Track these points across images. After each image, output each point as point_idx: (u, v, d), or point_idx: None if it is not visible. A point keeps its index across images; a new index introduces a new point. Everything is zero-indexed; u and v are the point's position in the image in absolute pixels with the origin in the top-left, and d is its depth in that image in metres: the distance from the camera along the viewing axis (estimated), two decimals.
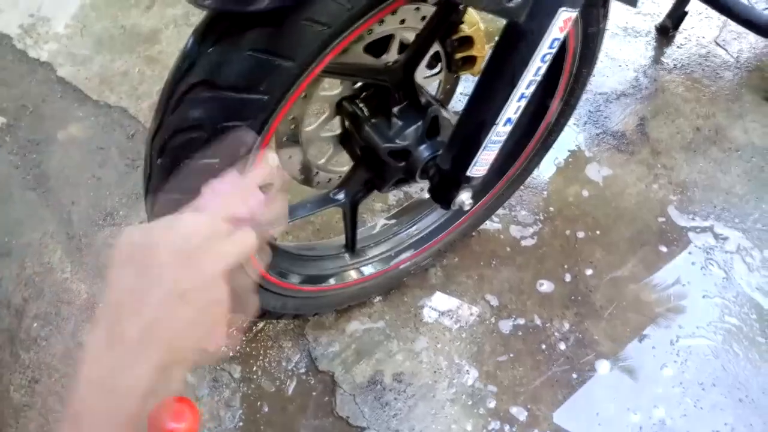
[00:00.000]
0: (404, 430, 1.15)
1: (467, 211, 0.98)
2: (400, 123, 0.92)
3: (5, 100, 1.67)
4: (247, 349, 1.24)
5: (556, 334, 1.27)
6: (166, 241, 0.48)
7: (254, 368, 1.22)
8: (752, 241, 1.39)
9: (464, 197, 0.93)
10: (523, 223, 1.41)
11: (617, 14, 1.80)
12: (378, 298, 1.30)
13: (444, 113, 0.95)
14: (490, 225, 1.41)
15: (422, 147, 0.94)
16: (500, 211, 1.42)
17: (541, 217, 1.42)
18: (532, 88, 0.80)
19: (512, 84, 0.78)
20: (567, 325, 1.27)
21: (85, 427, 0.44)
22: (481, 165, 0.88)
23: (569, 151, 1.52)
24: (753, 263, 1.36)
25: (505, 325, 1.27)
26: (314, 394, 1.19)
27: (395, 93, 0.91)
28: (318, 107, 0.97)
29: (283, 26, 0.64)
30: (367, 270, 1.18)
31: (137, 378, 0.45)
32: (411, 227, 1.26)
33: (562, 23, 0.74)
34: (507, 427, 1.16)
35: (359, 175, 1.01)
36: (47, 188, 1.50)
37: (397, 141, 0.92)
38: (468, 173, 0.89)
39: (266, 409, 1.17)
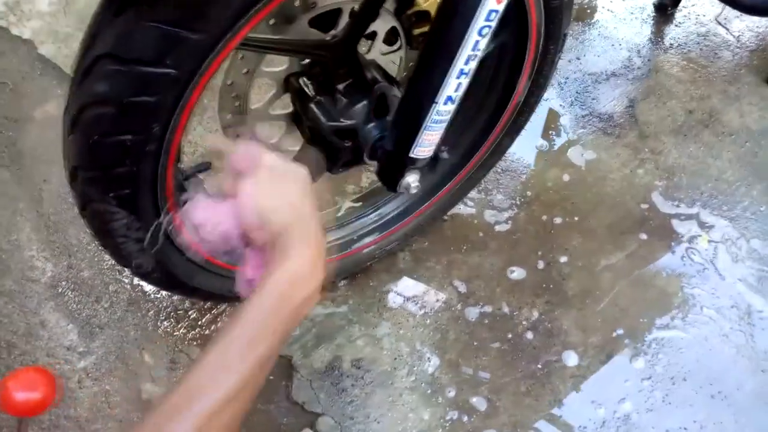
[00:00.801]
0: (359, 417, 1.13)
1: (414, 194, 0.94)
2: (344, 101, 0.88)
3: None
4: (206, 331, 1.22)
5: (524, 322, 1.23)
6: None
7: None
8: (739, 230, 1.33)
9: (410, 180, 0.89)
10: (499, 208, 1.37)
11: None
12: (343, 282, 1.27)
13: (394, 91, 0.90)
14: (464, 209, 1.36)
15: (369, 126, 0.90)
16: (475, 195, 1.37)
17: (518, 202, 1.37)
18: (473, 63, 0.76)
19: (449, 60, 0.74)
20: (536, 314, 1.23)
21: None
22: (424, 146, 0.84)
23: (552, 133, 1.46)
24: (738, 254, 1.30)
25: (472, 313, 1.24)
26: (271, 378, 1.17)
27: (338, 70, 0.87)
28: (264, 84, 0.93)
29: None
30: (327, 254, 1.15)
31: None
32: (376, 210, 1.22)
33: None
34: (465, 418, 1.12)
35: (308, 156, 0.97)
36: (21, 165, 1.49)
37: (342, 120, 0.88)
38: (411, 154, 0.85)
39: None
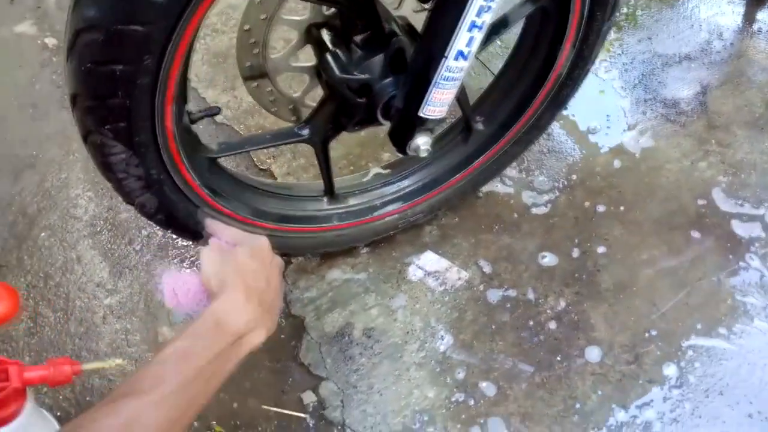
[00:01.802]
0: (363, 387, 1.10)
1: (424, 157, 0.89)
2: (360, 53, 0.85)
3: (59, 22, 1.75)
4: None
5: (548, 311, 1.15)
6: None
7: None
8: None
9: (420, 141, 0.84)
10: (539, 190, 1.29)
11: None
12: (365, 249, 1.24)
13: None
14: (501, 188, 1.29)
15: (385, 82, 0.85)
16: (515, 174, 1.30)
17: (560, 185, 1.29)
18: (486, 16, 0.70)
19: (459, 10, 0.68)
20: (563, 304, 1.15)
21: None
22: (434, 105, 0.79)
23: (607, 116, 1.36)
24: None
25: (494, 295, 1.17)
26: (282, 336, 1.17)
27: (356, 21, 0.83)
28: (286, 33, 0.91)
29: None
30: (346, 218, 1.13)
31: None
32: (404, 179, 1.18)
33: None
34: (472, 402, 1.07)
35: (324, 111, 0.94)
36: None
37: (355, 73, 0.85)
38: (421, 113, 0.80)
39: None
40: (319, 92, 0.98)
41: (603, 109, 1.36)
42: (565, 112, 1.38)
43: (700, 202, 1.24)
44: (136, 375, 0.67)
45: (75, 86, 0.70)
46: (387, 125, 0.90)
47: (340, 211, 1.12)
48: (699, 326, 1.11)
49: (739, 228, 1.20)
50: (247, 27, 0.86)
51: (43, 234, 1.34)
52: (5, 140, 1.47)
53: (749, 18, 1.48)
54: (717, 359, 1.08)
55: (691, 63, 1.42)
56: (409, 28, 0.88)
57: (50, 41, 1.71)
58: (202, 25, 0.71)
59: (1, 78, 1.57)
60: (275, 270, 0.84)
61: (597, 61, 1.42)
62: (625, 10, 1.53)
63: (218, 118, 1.45)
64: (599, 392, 1.06)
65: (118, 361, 0.93)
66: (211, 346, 0.69)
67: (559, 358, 1.10)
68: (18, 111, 1.52)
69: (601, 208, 1.25)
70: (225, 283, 0.77)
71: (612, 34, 1.50)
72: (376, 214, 1.15)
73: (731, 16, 1.49)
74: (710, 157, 1.29)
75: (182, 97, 0.80)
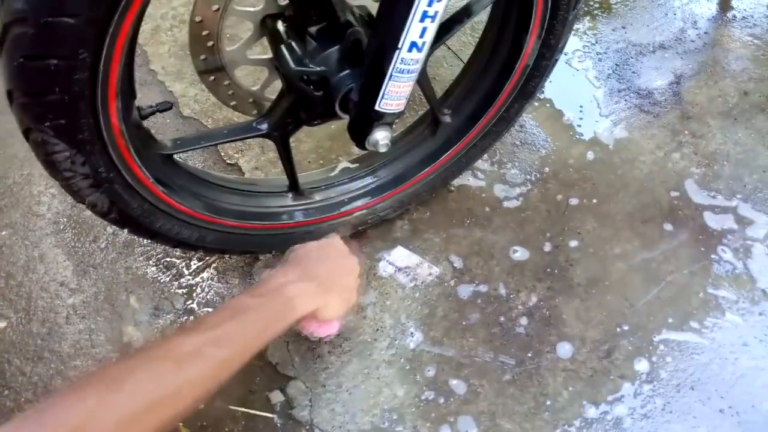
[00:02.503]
0: (331, 385, 1.08)
1: (383, 152, 0.86)
2: (314, 45, 0.82)
3: None
4: (192, 281, 1.21)
5: (519, 307, 1.13)
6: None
7: (197, 300, 1.19)
8: None
9: (379, 136, 0.82)
10: (511, 183, 1.27)
11: None
12: None
13: None
14: (473, 181, 1.27)
15: (342, 75, 0.83)
16: (487, 167, 1.28)
17: (533, 178, 1.27)
18: (438, 5, 0.67)
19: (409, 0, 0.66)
20: (534, 299, 1.14)
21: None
22: (391, 98, 0.76)
23: (581, 107, 1.33)
24: None
25: (465, 291, 1.16)
26: None
27: (310, 11, 0.80)
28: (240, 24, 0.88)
29: None
30: (312, 214, 1.10)
31: None
32: (372, 173, 1.15)
33: None
34: (442, 400, 1.05)
35: (283, 105, 0.92)
36: None
37: (311, 65, 0.82)
38: (378, 107, 0.78)
39: None
40: (279, 84, 0.95)
41: (576, 99, 1.34)
42: (537, 103, 1.35)
43: (673, 194, 1.22)
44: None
45: (9, 82, 0.67)
46: (347, 119, 0.87)
47: (306, 207, 1.09)
48: (671, 320, 1.10)
49: (712, 220, 1.19)
50: (198, 19, 0.83)
51: (4, 232, 1.30)
52: None
53: (724, 5, 1.46)
54: (688, 354, 1.07)
55: (665, 52, 1.40)
56: (369, 18, 0.85)
57: None
58: (143, 17, 0.68)
59: None
60: (341, 262, 0.97)
61: (571, 50, 1.41)
62: None
63: (185, 111, 1.42)
64: (570, 388, 1.05)
65: None
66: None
67: (530, 355, 1.08)
68: None
69: (574, 201, 1.23)
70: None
71: (586, 23, 1.47)
72: (343, 209, 1.13)
73: (706, 4, 1.47)
74: (684, 148, 1.27)
75: (129, 92, 0.77)
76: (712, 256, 1.16)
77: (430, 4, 0.66)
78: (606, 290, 1.14)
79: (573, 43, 1.41)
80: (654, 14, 1.46)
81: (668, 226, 1.19)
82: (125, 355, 0.70)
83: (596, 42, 1.43)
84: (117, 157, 0.79)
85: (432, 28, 0.69)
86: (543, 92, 1.36)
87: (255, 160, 1.33)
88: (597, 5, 1.51)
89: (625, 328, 1.10)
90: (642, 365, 1.06)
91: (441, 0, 0.66)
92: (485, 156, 1.26)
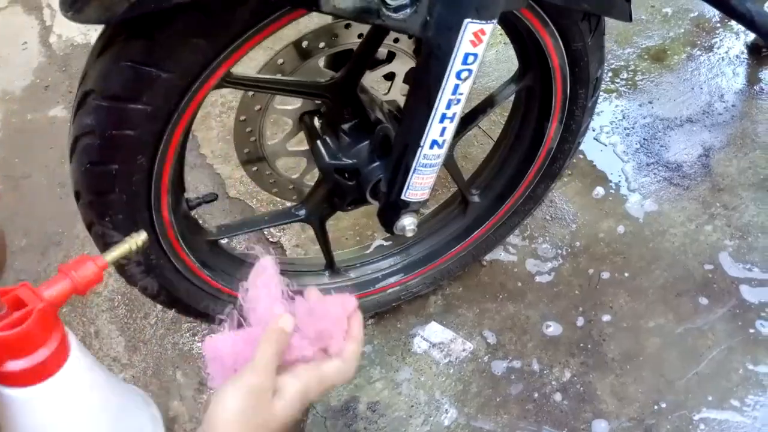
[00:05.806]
0: None
1: (410, 237, 0.91)
2: (347, 140, 0.89)
3: None
4: None
5: (554, 383, 1.14)
6: None
7: None
8: None
9: (406, 222, 0.87)
10: (542, 257, 1.29)
11: (695, 33, 1.59)
12: (370, 321, 1.26)
13: None
14: (505, 256, 1.30)
15: (372, 166, 0.89)
16: (518, 242, 1.31)
17: (564, 252, 1.29)
18: (456, 108, 0.73)
19: (429, 104, 0.72)
20: (568, 375, 1.14)
21: None
22: (416, 189, 0.82)
23: (610, 182, 1.36)
24: None
25: (498, 366, 1.17)
26: None
27: (342, 110, 0.88)
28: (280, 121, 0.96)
29: (155, 39, 0.64)
30: (349, 291, 1.15)
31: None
32: (404, 251, 1.20)
33: (473, 36, 0.67)
34: None
35: (319, 192, 0.99)
36: None
37: (344, 159, 0.89)
38: (404, 197, 0.83)
39: None
40: (317, 172, 1.02)
41: (605, 174, 1.37)
42: (566, 179, 1.39)
43: (707, 267, 1.22)
44: None
45: (77, 184, 0.76)
46: (377, 205, 0.93)
47: (342, 284, 1.14)
48: (710, 398, 1.08)
49: (749, 293, 1.18)
50: (242, 118, 0.92)
51: (64, 309, 1.39)
52: (36, 217, 1.56)
53: (751, 79, 1.49)
54: None
55: (693, 126, 1.42)
56: (398, 112, 0.93)
57: None
58: (192, 124, 0.76)
59: (34, 159, 1.67)
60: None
61: (598, 126, 1.45)
62: (624, 75, 1.56)
63: (231, 192, 1.51)
64: None
65: (143, 236, 0.76)
66: None
67: (566, 431, 1.08)
68: (47, 190, 1.62)
69: (605, 275, 1.24)
70: None
71: (613, 99, 1.52)
72: (378, 286, 1.17)
73: (731, 78, 1.50)
74: (716, 220, 1.28)
75: (179, 186, 0.85)
76: (751, 330, 1.14)
77: (448, 107, 0.72)
78: (641, 366, 1.13)
79: (601, 119, 1.45)
80: (680, 89, 1.50)
81: (703, 300, 1.19)
82: None
83: (623, 117, 1.48)
84: (167, 246, 0.86)
85: (451, 128, 0.75)
86: (572, 167, 1.40)
87: (296, 238, 1.40)
88: (623, 82, 1.56)
89: (663, 405, 1.08)
90: None
91: (459, 103, 0.73)
92: (516, 231, 1.30)
